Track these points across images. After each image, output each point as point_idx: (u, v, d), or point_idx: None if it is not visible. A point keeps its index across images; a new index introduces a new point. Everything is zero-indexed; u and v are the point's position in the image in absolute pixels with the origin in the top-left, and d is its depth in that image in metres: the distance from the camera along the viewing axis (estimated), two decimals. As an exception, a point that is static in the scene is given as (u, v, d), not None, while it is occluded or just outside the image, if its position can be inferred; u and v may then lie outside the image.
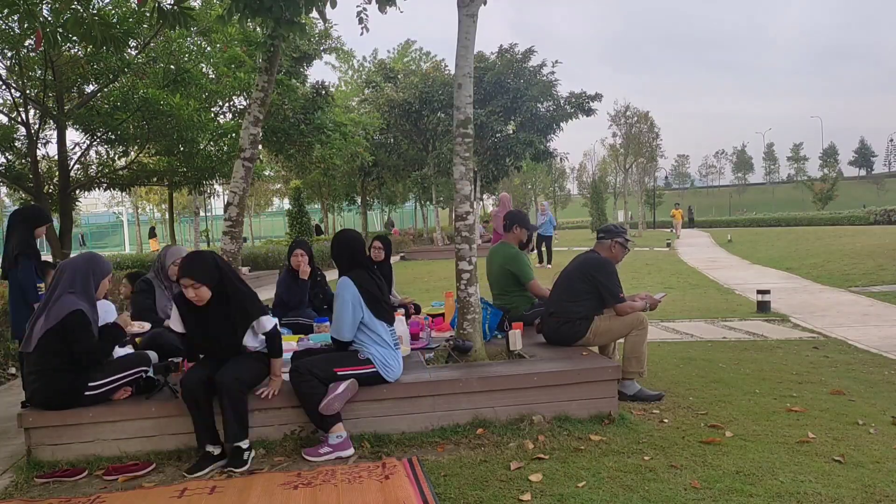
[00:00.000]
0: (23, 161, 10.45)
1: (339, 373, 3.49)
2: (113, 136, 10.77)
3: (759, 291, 8.08)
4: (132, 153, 12.32)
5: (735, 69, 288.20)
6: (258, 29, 9.34)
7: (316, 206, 35.55)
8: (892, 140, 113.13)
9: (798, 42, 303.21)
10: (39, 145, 10.37)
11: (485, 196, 32.74)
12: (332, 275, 5.18)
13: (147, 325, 4.03)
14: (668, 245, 21.79)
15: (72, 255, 4.00)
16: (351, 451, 3.38)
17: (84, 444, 3.42)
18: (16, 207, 8.11)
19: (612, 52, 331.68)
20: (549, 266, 14.46)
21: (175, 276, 4.61)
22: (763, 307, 7.87)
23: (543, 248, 15.28)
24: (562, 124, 22.36)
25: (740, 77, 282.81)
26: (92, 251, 3.87)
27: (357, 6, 5.33)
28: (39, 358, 3.36)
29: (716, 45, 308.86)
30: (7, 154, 10.39)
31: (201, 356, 3.59)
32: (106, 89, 10.13)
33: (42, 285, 4.22)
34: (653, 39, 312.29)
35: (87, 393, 3.39)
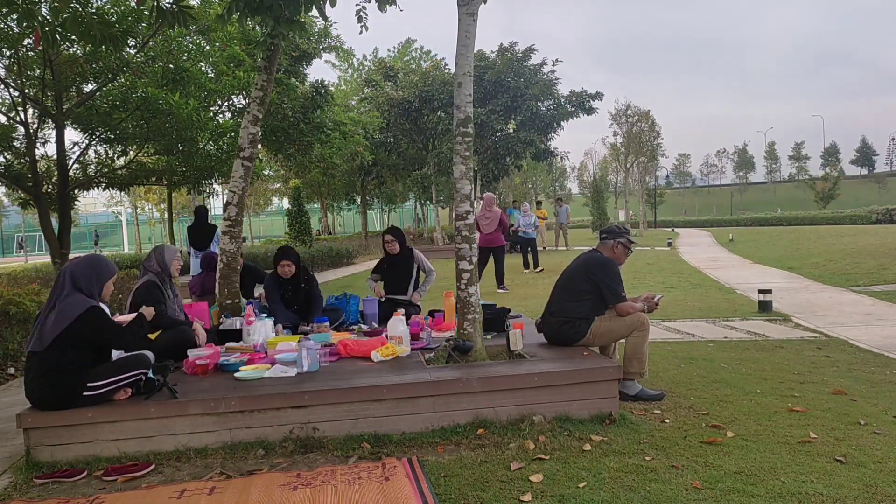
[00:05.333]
0: (21, 161, 10.45)
1: None
2: (112, 136, 10.77)
3: (760, 291, 8.05)
4: (131, 152, 12.30)
5: (733, 73, 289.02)
6: (257, 28, 9.32)
7: (315, 205, 35.55)
8: (893, 139, 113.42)
9: (795, 47, 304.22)
10: (38, 145, 10.37)
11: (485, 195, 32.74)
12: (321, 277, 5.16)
13: (151, 310, 3.99)
14: (670, 244, 21.78)
15: (83, 254, 4.01)
16: None
17: (83, 445, 3.42)
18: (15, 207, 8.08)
19: (611, 56, 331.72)
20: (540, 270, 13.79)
21: (179, 270, 4.71)
22: (764, 307, 7.85)
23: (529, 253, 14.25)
24: (562, 123, 22.37)
25: (739, 81, 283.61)
26: (96, 253, 3.90)
27: (357, 4, 5.31)
28: (52, 356, 3.37)
29: (713, 49, 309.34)
30: (6, 154, 10.38)
31: None
32: (105, 88, 10.11)
33: None
34: (651, 44, 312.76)
35: (85, 394, 3.40)
